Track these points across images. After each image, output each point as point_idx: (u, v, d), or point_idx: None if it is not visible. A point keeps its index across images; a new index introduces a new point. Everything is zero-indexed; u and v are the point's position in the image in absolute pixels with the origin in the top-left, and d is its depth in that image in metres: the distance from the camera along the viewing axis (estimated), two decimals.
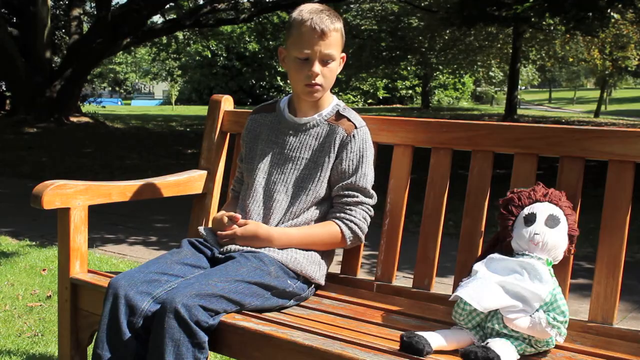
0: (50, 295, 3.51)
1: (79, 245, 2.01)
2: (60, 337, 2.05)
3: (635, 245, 4.65)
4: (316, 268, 1.91)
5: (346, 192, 1.91)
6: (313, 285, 1.93)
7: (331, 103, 2.00)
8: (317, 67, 1.89)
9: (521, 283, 1.55)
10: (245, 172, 2.06)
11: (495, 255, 1.65)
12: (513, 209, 1.69)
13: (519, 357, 1.54)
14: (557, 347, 1.61)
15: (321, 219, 1.94)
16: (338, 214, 1.92)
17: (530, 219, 1.65)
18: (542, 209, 1.65)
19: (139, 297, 1.67)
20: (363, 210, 1.92)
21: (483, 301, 1.53)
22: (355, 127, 1.93)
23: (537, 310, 1.53)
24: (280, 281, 1.80)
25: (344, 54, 1.97)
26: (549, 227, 1.63)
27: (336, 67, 1.94)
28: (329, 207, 1.96)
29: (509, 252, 1.67)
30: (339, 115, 1.97)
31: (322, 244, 1.92)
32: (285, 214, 1.93)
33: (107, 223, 5.48)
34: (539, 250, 1.62)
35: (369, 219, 1.94)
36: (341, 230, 1.90)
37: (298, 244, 1.89)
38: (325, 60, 1.90)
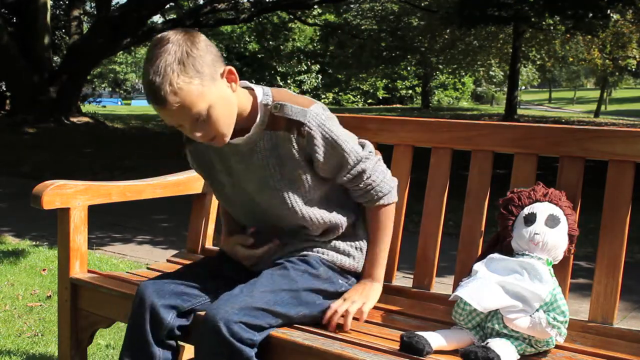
0: (50, 295, 3.51)
1: (79, 245, 2.01)
2: (60, 337, 2.05)
3: (635, 245, 4.64)
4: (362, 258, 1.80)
5: (351, 176, 1.70)
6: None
7: (257, 106, 1.67)
8: (194, 130, 1.58)
9: (521, 283, 1.55)
10: (225, 202, 1.88)
11: (495, 255, 1.64)
12: (513, 209, 1.69)
13: (519, 357, 1.54)
14: (557, 347, 1.61)
15: (336, 205, 1.75)
16: (366, 197, 1.74)
17: (530, 219, 1.64)
18: (542, 209, 1.65)
19: (163, 310, 1.61)
20: (375, 170, 1.72)
21: (483, 301, 1.53)
22: (302, 124, 1.63)
23: (537, 310, 1.53)
24: (331, 283, 1.71)
25: (226, 68, 1.63)
26: (549, 227, 1.62)
27: (220, 107, 1.58)
28: (341, 191, 1.76)
29: (509, 252, 1.67)
30: (274, 119, 1.65)
31: (390, 229, 1.79)
32: (299, 229, 1.75)
33: (107, 223, 5.48)
34: (539, 250, 1.62)
35: (383, 166, 1.75)
36: (384, 205, 1.75)
37: (385, 256, 1.78)
38: (199, 119, 1.56)
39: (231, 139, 1.66)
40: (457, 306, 1.60)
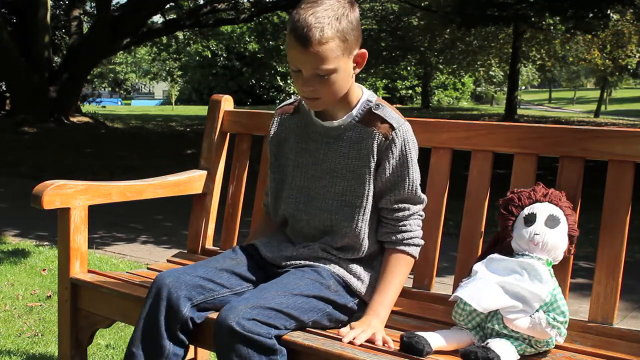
0: (50, 295, 3.51)
1: (79, 245, 2.01)
2: (60, 337, 2.05)
3: (635, 245, 4.65)
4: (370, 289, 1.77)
5: (396, 206, 1.72)
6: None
7: (360, 99, 1.74)
8: (308, 82, 1.64)
9: (521, 283, 1.55)
10: (277, 183, 1.86)
11: (495, 256, 1.64)
12: (513, 209, 1.69)
13: (519, 357, 1.55)
14: (557, 347, 1.61)
15: (371, 228, 1.75)
16: (394, 236, 1.73)
17: (530, 219, 1.64)
18: (542, 209, 1.65)
19: (181, 301, 1.60)
20: (416, 219, 1.75)
21: (483, 301, 1.53)
22: (393, 129, 1.69)
23: (537, 310, 1.53)
24: (339, 295, 1.69)
25: (361, 51, 1.69)
26: (549, 227, 1.62)
27: (340, 77, 1.64)
28: (377, 219, 1.76)
29: (509, 252, 1.67)
30: (371, 115, 1.72)
31: (403, 280, 1.74)
32: (329, 231, 1.76)
33: (107, 223, 5.48)
34: (539, 251, 1.62)
35: (421, 224, 1.78)
36: (407, 254, 1.73)
37: (393, 301, 1.72)
38: (319, 75, 1.63)
39: (323, 121, 1.74)
40: (457, 306, 1.60)
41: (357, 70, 1.71)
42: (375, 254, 1.78)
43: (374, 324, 1.64)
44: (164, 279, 1.64)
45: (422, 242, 1.78)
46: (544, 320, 1.52)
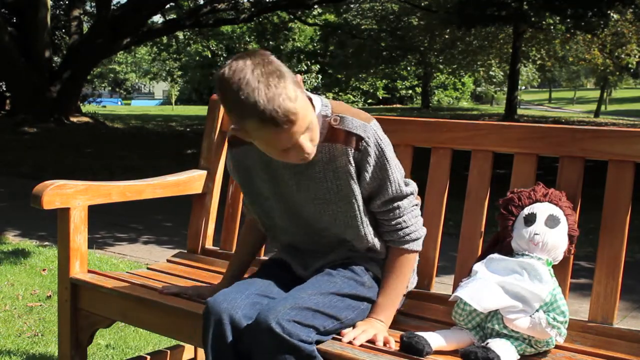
0: (50, 295, 3.51)
1: (79, 245, 2.01)
2: (60, 337, 2.05)
3: (635, 245, 4.64)
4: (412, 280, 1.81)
5: (386, 208, 1.68)
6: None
7: (315, 114, 1.59)
8: (308, 144, 1.55)
9: (521, 283, 1.55)
10: (263, 215, 1.79)
11: (495, 256, 1.64)
12: (513, 209, 1.69)
13: (519, 357, 1.55)
14: (557, 347, 1.61)
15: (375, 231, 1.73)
16: (392, 236, 1.71)
17: (530, 219, 1.64)
18: (542, 209, 1.65)
19: (244, 321, 1.55)
20: (410, 212, 1.71)
21: (483, 302, 1.53)
22: (362, 139, 1.60)
23: (537, 310, 1.53)
24: (374, 292, 1.69)
25: (297, 77, 1.55)
26: (549, 227, 1.62)
27: (309, 115, 1.54)
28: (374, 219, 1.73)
29: (509, 252, 1.67)
30: (334, 131, 1.61)
31: (407, 278, 1.74)
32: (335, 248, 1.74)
33: (107, 223, 5.48)
34: (539, 251, 1.62)
35: (418, 212, 1.74)
36: (409, 251, 1.71)
37: (397, 301, 1.73)
38: (306, 133, 1.54)
39: None
40: (457, 306, 1.60)
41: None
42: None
43: (376, 325, 1.64)
44: (220, 304, 1.58)
45: (422, 232, 1.74)
46: (544, 320, 1.52)
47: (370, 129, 1.62)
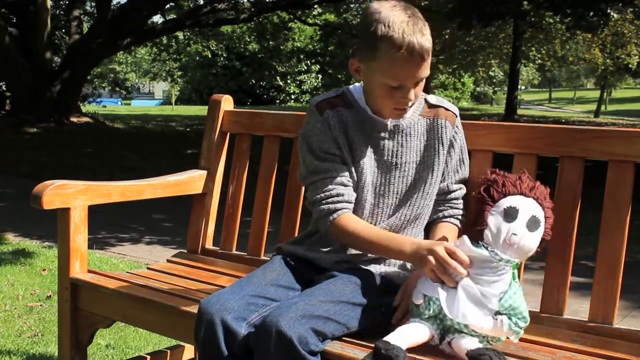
0: (50, 295, 3.51)
1: (79, 245, 2.01)
2: (60, 337, 2.05)
3: (635, 245, 4.65)
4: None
5: (456, 187, 1.82)
6: None
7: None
8: (412, 93, 1.67)
9: (483, 286, 1.48)
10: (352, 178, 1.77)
11: (467, 241, 1.53)
12: (495, 194, 1.55)
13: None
14: (557, 347, 1.62)
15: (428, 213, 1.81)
16: (447, 212, 1.81)
17: (511, 215, 1.51)
18: (525, 207, 1.54)
19: (236, 323, 1.54)
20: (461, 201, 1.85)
21: (454, 312, 1.47)
22: (456, 116, 1.82)
23: (500, 313, 1.48)
24: (385, 298, 1.66)
25: None
26: (529, 229, 1.52)
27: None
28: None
29: (478, 238, 1.55)
30: (432, 106, 1.80)
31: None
32: (402, 220, 1.77)
33: (107, 223, 5.48)
34: (512, 251, 1.51)
35: None
36: (458, 227, 1.82)
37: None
38: (417, 83, 1.67)
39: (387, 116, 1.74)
40: (424, 307, 1.52)
41: None
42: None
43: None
44: (212, 306, 1.57)
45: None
46: (506, 326, 1.48)
47: (458, 114, 1.84)
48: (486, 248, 1.52)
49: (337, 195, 1.71)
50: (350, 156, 1.74)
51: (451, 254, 1.50)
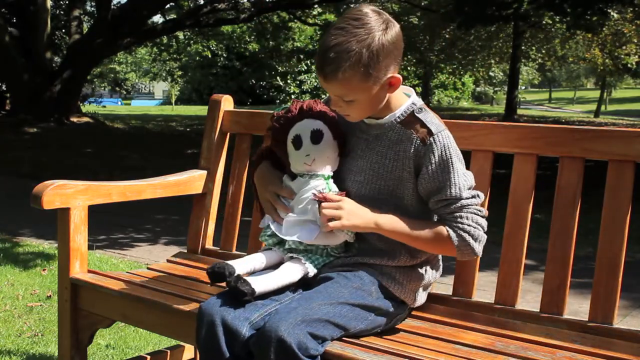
0: (50, 295, 3.51)
1: (79, 245, 2.01)
2: (60, 337, 2.05)
3: (635, 245, 4.64)
4: (418, 290, 1.77)
5: (444, 204, 1.65)
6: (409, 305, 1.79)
7: (406, 102, 1.72)
8: (335, 104, 1.68)
9: (308, 214, 1.70)
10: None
11: (286, 178, 1.79)
12: (280, 136, 1.77)
13: (315, 271, 1.70)
14: (557, 347, 1.62)
15: None
16: (446, 222, 1.67)
17: (297, 142, 1.74)
18: (303, 128, 1.74)
19: (237, 322, 1.55)
20: (471, 212, 1.65)
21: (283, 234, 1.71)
22: (432, 134, 1.65)
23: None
24: (383, 302, 1.68)
25: (394, 77, 1.64)
26: (314, 142, 1.71)
27: (365, 101, 1.64)
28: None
29: (280, 166, 1.82)
30: (412, 117, 1.69)
31: (428, 240, 1.66)
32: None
33: (107, 223, 5.48)
34: (315, 168, 1.72)
35: (482, 222, 1.66)
36: (448, 233, 1.64)
37: (403, 231, 1.65)
38: (343, 100, 1.65)
39: (370, 117, 1.73)
40: (264, 232, 1.78)
41: (392, 91, 1.67)
42: (422, 264, 1.75)
43: (358, 212, 1.65)
44: (212, 307, 1.59)
45: (471, 240, 1.64)
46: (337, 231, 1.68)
47: (443, 131, 1.68)
48: (301, 176, 1.76)
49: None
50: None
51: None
